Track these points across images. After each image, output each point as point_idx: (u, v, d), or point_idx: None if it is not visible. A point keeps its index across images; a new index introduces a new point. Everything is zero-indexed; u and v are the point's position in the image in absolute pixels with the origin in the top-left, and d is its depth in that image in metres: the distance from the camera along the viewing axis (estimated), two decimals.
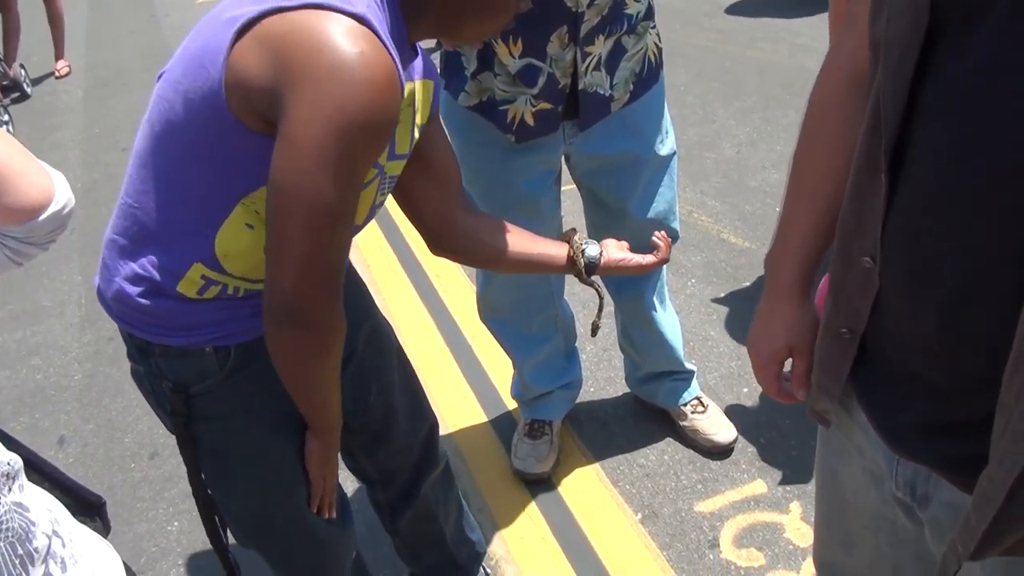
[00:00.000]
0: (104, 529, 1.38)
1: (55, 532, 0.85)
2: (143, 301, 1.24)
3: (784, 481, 2.29)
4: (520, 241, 1.52)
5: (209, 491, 1.41)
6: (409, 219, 1.49)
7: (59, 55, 6.90)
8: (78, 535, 0.92)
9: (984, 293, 0.80)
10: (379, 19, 1.11)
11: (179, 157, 1.17)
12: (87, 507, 1.43)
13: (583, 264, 1.52)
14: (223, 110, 1.10)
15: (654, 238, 1.57)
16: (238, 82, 1.08)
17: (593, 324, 1.63)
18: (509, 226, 1.54)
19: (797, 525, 2.16)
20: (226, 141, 1.13)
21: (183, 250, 1.21)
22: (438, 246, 1.52)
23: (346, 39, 1.04)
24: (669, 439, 2.46)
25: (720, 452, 2.39)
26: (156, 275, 1.22)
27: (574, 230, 1.57)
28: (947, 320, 0.83)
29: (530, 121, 1.85)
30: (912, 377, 0.91)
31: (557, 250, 1.54)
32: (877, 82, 0.86)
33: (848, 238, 0.94)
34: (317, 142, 1.04)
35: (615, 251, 1.56)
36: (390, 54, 1.08)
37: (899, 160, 0.85)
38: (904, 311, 0.88)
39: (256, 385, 1.30)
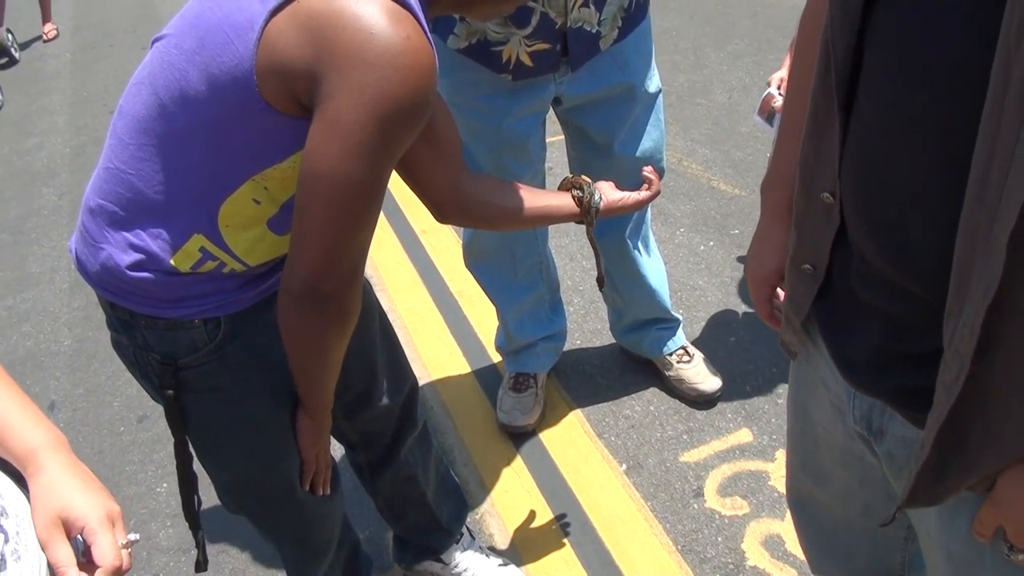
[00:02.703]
0: None
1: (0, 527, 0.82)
2: (132, 272, 1.20)
3: (770, 429, 2.28)
4: (523, 196, 1.50)
5: (196, 463, 1.39)
6: (414, 191, 1.44)
7: (46, 18, 6.80)
8: (26, 525, 0.87)
9: (926, 220, 0.78)
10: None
11: (191, 129, 1.13)
12: None
13: (593, 211, 1.52)
14: (252, 91, 1.06)
15: (644, 172, 1.58)
16: (274, 63, 1.04)
17: (599, 277, 1.65)
18: (510, 183, 1.53)
19: (782, 473, 2.14)
20: (249, 120, 1.09)
21: (184, 220, 1.18)
22: (444, 214, 1.49)
23: (393, 24, 1.02)
24: (655, 389, 2.45)
25: (705, 401, 2.37)
26: (151, 245, 1.19)
27: (582, 177, 1.55)
28: (895, 246, 0.82)
29: (528, 62, 1.82)
30: (868, 308, 0.91)
31: (560, 200, 1.53)
32: (827, 14, 0.84)
33: (809, 173, 0.94)
34: (361, 128, 1.02)
35: (611, 192, 1.55)
36: (428, 38, 1.06)
37: (852, 93, 0.84)
38: (858, 239, 0.88)
39: (247, 356, 1.29)
